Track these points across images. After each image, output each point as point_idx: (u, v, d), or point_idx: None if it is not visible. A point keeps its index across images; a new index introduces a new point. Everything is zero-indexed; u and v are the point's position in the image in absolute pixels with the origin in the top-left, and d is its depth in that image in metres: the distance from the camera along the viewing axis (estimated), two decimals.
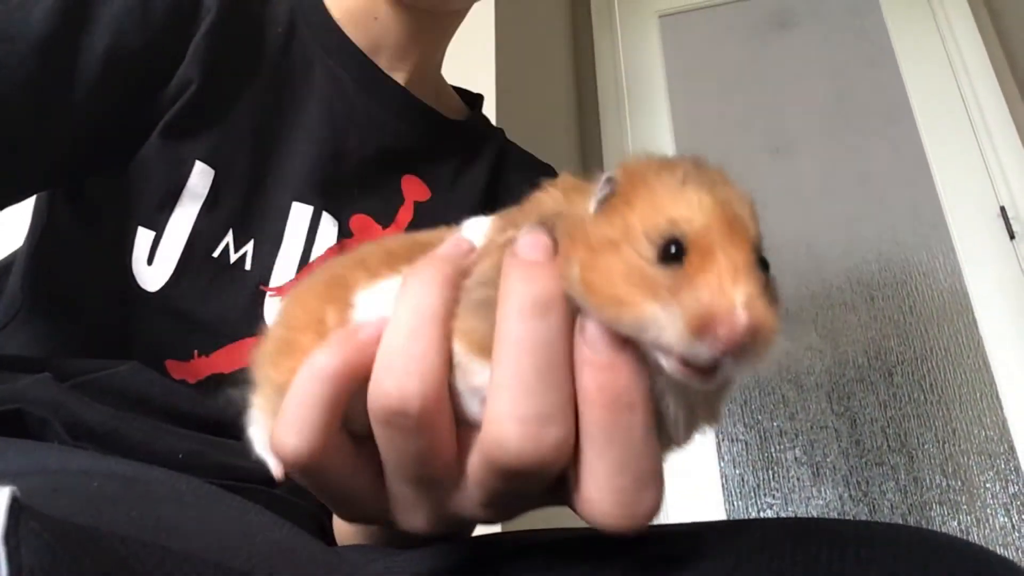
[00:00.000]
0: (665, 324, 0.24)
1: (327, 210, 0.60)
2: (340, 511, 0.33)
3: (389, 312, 0.30)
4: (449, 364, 0.28)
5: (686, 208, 0.26)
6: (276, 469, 0.34)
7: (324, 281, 0.36)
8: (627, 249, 0.26)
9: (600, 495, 0.26)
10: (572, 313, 0.27)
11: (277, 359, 0.34)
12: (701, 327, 0.24)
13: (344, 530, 0.50)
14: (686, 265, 0.25)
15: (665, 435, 0.28)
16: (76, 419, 0.44)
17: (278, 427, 0.30)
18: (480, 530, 0.40)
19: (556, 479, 0.28)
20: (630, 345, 0.26)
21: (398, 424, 0.28)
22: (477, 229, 0.33)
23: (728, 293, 0.24)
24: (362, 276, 0.34)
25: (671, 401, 0.28)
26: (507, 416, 0.26)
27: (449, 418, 0.28)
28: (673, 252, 0.25)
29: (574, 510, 0.28)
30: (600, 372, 0.26)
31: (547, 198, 0.31)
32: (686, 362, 0.25)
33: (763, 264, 0.26)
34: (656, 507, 0.27)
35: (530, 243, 0.28)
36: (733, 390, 0.30)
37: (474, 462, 0.28)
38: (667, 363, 0.25)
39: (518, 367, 0.26)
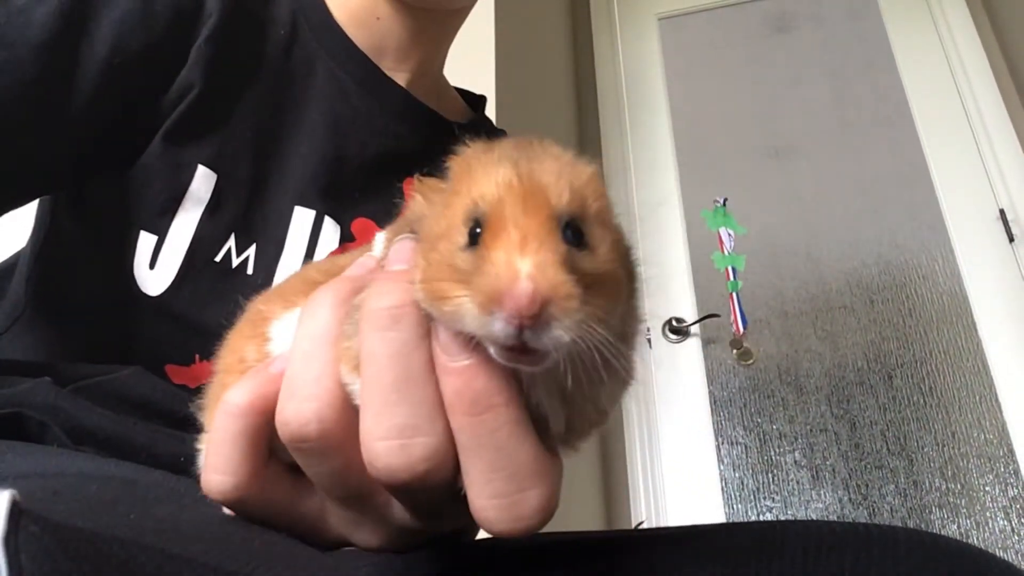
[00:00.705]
0: (466, 309, 0.23)
1: (329, 214, 0.60)
2: (304, 539, 0.33)
3: None
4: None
5: (486, 185, 0.25)
6: (225, 509, 0.34)
7: (246, 319, 0.36)
8: (446, 240, 0.25)
9: (481, 500, 0.26)
10: (429, 320, 0.26)
11: (212, 403, 0.34)
12: (489, 303, 0.23)
13: None
14: (481, 243, 0.24)
15: (551, 432, 0.27)
16: (75, 423, 0.44)
17: (204, 467, 0.30)
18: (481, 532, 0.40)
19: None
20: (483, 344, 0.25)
21: (304, 448, 0.28)
22: (380, 244, 0.33)
23: (512, 264, 0.23)
24: (278, 308, 0.34)
25: (542, 396, 0.26)
26: (371, 431, 0.26)
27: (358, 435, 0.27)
28: (477, 232, 0.24)
29: None
30: (455, 377, 0.25)
31: (414, 204, 0.30)
32: (507, 345, 0.23)
33: (577, 234, 0.25)
34: (543, 506, 0.26)
35: (394, 253, 0.27)
36: (613, 375, 0.27)
37: None
38: (492, 350, 0.24)
39: (377, 380, 0.26)
